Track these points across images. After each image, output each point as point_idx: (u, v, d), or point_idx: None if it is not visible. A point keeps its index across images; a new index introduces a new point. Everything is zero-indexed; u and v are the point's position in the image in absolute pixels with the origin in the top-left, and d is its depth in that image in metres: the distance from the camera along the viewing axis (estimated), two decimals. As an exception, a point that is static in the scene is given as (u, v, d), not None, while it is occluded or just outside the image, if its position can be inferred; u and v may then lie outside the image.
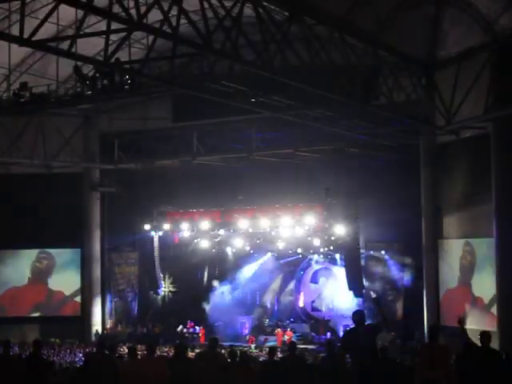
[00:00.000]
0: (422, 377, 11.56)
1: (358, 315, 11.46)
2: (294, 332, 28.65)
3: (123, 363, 12.61)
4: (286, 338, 27.61)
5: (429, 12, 20.45)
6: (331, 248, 28.97)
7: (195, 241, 30.78)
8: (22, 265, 30.20)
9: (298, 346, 19.65)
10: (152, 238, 30.24)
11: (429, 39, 21.45)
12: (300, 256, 30.60)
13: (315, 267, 30.72)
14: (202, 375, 11.39)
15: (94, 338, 29.15)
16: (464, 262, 22.91)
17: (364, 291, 26.28)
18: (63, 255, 30.47)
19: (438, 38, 21.39)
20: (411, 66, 21.50)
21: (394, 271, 27.50)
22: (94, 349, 20.00)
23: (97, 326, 30.10)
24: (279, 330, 28.76)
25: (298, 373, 11.23)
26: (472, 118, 21.02)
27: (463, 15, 20.07)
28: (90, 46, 18.61)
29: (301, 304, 30.77)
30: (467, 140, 22.40)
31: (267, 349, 20.37)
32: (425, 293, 24.07)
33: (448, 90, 21.28)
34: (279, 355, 16.94)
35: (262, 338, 28.80)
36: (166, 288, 31.41)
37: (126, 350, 16.11)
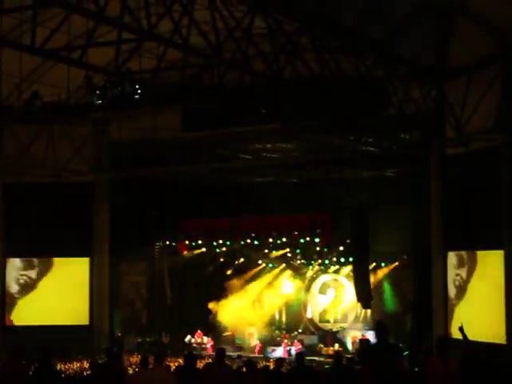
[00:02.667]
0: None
1: (381, 329, 11.18)
2: (302, 343, 28.57)
3: (133, 372, 12.62)
4: (294, 348, 27.59)
5: (440, 22, 20.42)
6: (340, 259, 28.90)
7: (204, 250, 30.75)
8: (31, 273, 30.15)
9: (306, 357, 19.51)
10: (161, 247, 30.21)
11: (440, 50, 21.42)
12: (309, 267, 30.53)
13: (324, 278, 30.63)
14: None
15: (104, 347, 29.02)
16: (472, 274, 22.81)
17: (372, 303, 26.22)
18: (72, 264, 30.41)
19: (448, 49, 21.36)
20: (421, 77, 21.48)
21: (403, 283, 27.41)
22: (102, 358, 19.92)
23: (105, 335, 30.02)
24: (286, 340, 28.69)
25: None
26: (482, 129, 20.98)
27: (475, 26, 20.04)
28: (101, 56, 18.66)
29: (309, 315, 30.68)
30: (477, 152, 22.31)
31: (275, 359, 20.38)
32: (433, 305, 23.96)
33: (458, 101, 21.25)
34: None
35: (269, 349, 28.72)
36: (174, 298, 31.33)
37: (134, 360, 16.14)
